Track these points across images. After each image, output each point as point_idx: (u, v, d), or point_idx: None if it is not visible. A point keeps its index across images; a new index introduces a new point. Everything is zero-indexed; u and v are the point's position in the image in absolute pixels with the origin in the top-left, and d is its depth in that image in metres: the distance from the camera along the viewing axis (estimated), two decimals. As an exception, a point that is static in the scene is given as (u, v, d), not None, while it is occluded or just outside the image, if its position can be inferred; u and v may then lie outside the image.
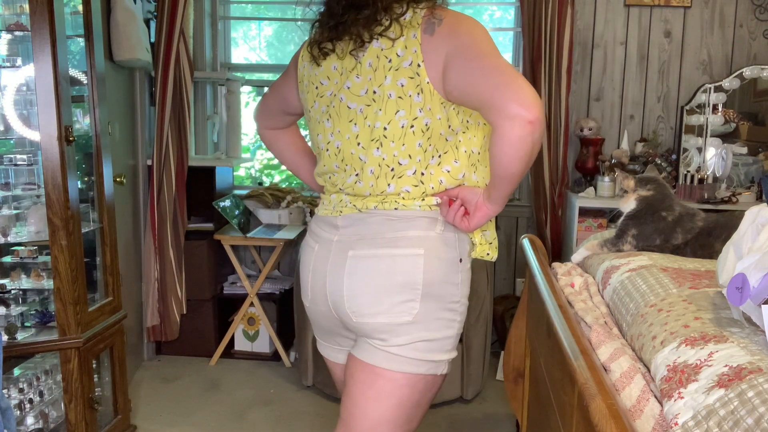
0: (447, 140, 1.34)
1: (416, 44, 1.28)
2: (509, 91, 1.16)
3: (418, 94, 1.29)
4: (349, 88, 1.34)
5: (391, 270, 1.33)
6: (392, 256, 1.33)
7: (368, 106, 1.33)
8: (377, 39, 1.30)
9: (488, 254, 1.49)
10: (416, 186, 1.34)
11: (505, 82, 1.17)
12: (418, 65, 1.27)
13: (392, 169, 1.34)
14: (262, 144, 4.05)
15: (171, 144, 3.29)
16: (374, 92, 1.31)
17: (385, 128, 1.32)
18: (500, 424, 2.86)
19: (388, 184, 1.34)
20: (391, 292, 1.33)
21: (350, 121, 1.35)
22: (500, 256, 3.67)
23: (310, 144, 1.61)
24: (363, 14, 1.29)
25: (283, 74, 1.58)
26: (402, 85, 1.29)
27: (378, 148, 1.33)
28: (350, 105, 1.35)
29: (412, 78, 1.28)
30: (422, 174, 1.34)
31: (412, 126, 1.31)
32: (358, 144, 1.35)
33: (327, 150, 1.42)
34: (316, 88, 1.42)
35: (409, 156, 1.33)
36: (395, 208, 1.35)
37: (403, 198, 1.35)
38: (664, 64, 3.45)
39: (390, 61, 1.29)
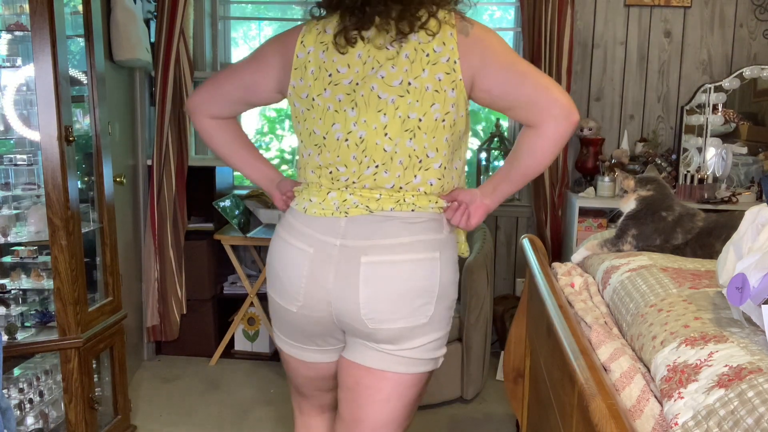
0: (460, 139, 1.42)
1: (453, 42, 1.31)
2: (553, 94, 1.29)
3: (453, 89, 1.33)
4: (383, 77, 1.33)
5: (413, 275, 1.35)
6: (413, 261, 1.35)
7: (401, 96, 1.33)
8: (416, 32, 1.31)
9: (464, 252, 1.56)
10: (439, 179, 1.38)
11: (546, 86, 1.30)
12: (455, 62, 1.31)
13: (420, 161, 1.36)
14: (262, 144, 4.05)
15: (171, 144, 3.29)
16: (409, 83, 1.32)
17: (420, 119, 1.33)
18: (500, 424, 2.86)
19: (415, 176, 1.36)
20: (412, 297, 1.35)
21: (379, 111, 1.34)
22: (500, 256, 3.67)
23: (300, 135, 1.46)
24: (396, 8, 1.30)
25: (252, 60, 1.47)
26: (440, 80, 1.32)
27: (411, 139, 1.34)
28: (381, 95, 1.33)
29: (448, 74, 1.32)
30: (445, 168, 1.39)
31: (443, 120, 1.34)
32: (386, 134, 1.34)
33: (346, 140, 1.35)
34: (330, 75, 1.35)
35: (436, 149, 1.36)
36: (412, 210, 1.36)
37: (425, 193, 1.38)
38: (664, 64, 3.45)
39: (427, 55, 1.31)
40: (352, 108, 1.35)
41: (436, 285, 1.37)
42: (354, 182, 1.37)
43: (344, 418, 1.48)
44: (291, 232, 1.42)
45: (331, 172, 1.39)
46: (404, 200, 1.36)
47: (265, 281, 3.53)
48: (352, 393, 1.45)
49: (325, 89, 1.36)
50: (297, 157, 1.52)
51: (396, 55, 1.32)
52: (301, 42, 1.38)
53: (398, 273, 1.34)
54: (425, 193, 1.38)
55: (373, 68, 1.33)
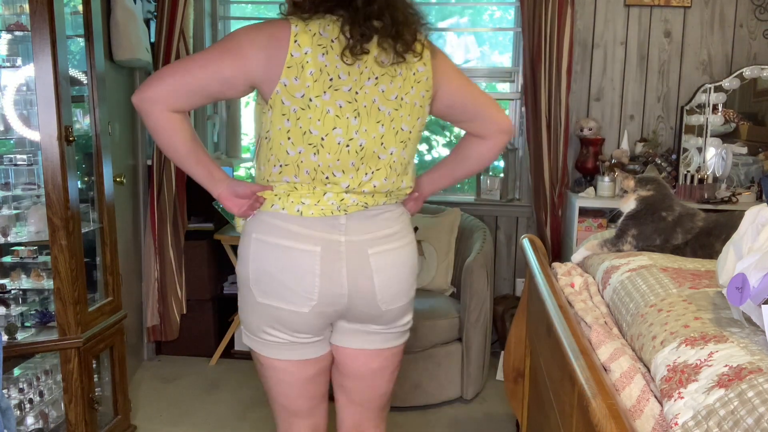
0: None
1: (429, 63, 1.47)
2: (499, 113, 1.59)
3: (428, 105, 1.51)
4: (383, 91, 1.43)
5: (407, 257, 1.54)
6: (404, 246, 1.53)
7: (396, 110, 1.45)
8: (408, 52, 1.44)
9: None
10: (413, 181, 1.57)
11: (493, 105, 1.58)
12: (431, 81, 1.48)
13: (405, 168, 1.52)
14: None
15: (171, 144, 3.29)
16: (402, 98, 1.45)
17: (410, 132, 1.49)
18: (500, 424, 2.86)
19: (402, 181, 1.52)
20: (409, 277, 1.55)
21: (378, 122, 1.44)
22: (500, 256, 3.67)
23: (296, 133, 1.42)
24: (388, 30, 1.39)
25: (229, 53, 1.38)
26: (423, 96, 1.48)
27: (404, 149, 1.49)
28: (381, 107, 1.44)
29: (427, 91, 1.49)
30: (414, 171, 1.59)
31: (420, 131, 1.53)
32: (381, 144, 1.46)
33: (347, 146, 1.42)
34: (331, 79, 1.38)
35: (413, 156, 1.56)
36: (395, 202, 1.55)
37: (404, 192, 1.55)
38: (664, 64, 3.45)
39: (414, 74, 1.46)
40: (355, 117, 1.42)
41: (416, 263, 1.59)
42: (354, 188, 1.44)
43: (358, 401, 1.65)
44: (286, 236, 1.43)
45: (327, 177, 1.43)
46: (390, 195, 1.52)
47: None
48: (365, 379, 1.61)
49: (324, 92, 1.38)
50: (267, 155, 1.45)
51: (394, 72, 1.43)
52: (295, 41, 1.36)
53: (398, 258, 1.51)
54: (405, 194, 1.57)
55: (369, 78, 1.41)
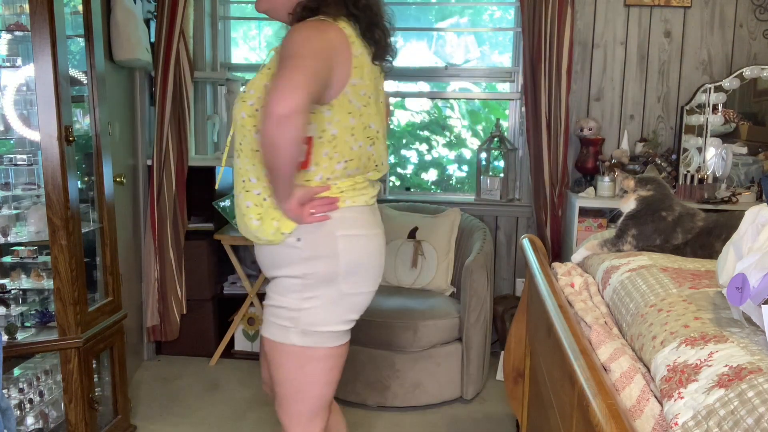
0: None
1: None
2: None
3: None
4: (382, 89, 1.65)
5: None
6: None
7: (384, 104, 1.67)
8: (394, 57, 1.65)
9: None
10: None
11: None
12: None
13: None
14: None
15: (171, 144, 3.29)
16: (383, 93, 1.66)
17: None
18: (500, 424, 2.86)
19: None
20: None
21: (384, 117, 1.66)
22: (500, 256, 3.67)
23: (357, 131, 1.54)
24: (383, 36, 1.58)
25: (318, 59, 1.38)
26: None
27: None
28: (385, 104, 1.67)
29: None
30: None
31: None
32: (384, 135, 1.66)
33: (384, 137, 1.64)
34: (375, 78, 1.58)
35: None
36: None
37: None
38: (664, 64, 3.45)
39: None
40: (380, 111, 1.61)
41: None
42: (385, 174, 1.72)
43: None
44: (365, 225, 1.58)
45: (377, 166, 1.60)
46: None
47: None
48: None
49: (374, 90, 1.57)
50: (328, 154, 1.48)
51: (383, 74, 1.65)
52: (352, 42, 1.48)
53: None
54: None
55: (377, 77, 1.60)
